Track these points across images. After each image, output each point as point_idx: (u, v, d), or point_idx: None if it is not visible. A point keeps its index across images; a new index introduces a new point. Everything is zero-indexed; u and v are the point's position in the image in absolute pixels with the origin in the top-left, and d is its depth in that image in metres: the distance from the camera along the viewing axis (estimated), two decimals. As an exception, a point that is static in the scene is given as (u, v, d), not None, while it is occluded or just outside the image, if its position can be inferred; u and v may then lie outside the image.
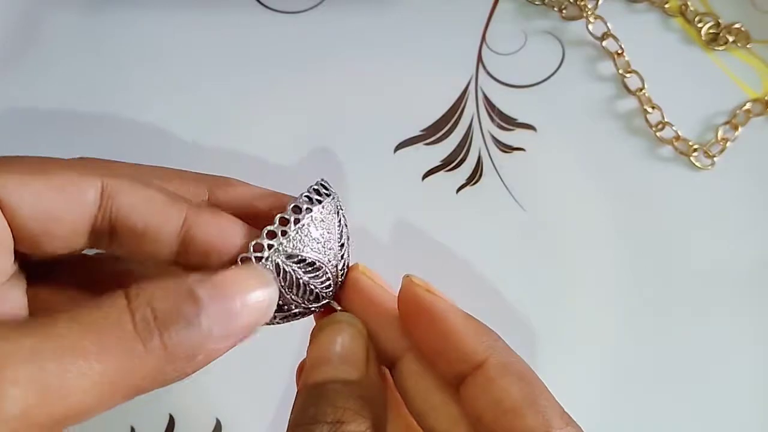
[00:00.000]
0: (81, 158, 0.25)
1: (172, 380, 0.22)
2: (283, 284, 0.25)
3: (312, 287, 0.26)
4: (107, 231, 0.24)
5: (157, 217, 0.24)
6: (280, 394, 0.34)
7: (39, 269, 0.25)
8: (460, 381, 0.24)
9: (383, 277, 0.34)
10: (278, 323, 0.27)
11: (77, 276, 0.26)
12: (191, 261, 0.25)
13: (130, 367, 0.20)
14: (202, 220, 0.24)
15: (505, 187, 0.35)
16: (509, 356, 0.25)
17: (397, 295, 0.26)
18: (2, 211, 0.22)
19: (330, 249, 0.26)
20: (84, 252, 0.25)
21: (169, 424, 0.34)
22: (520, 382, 0.23)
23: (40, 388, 0.19)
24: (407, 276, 0.26)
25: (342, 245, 0.27)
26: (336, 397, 0.24)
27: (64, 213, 0.23)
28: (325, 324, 0.26)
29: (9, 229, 0.23)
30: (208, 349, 0.22)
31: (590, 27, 0.35)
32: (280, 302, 0.25)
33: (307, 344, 0.26)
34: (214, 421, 0.34)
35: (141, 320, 0.21)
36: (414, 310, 0.25)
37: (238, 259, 0.24)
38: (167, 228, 0.24)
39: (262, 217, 0.26)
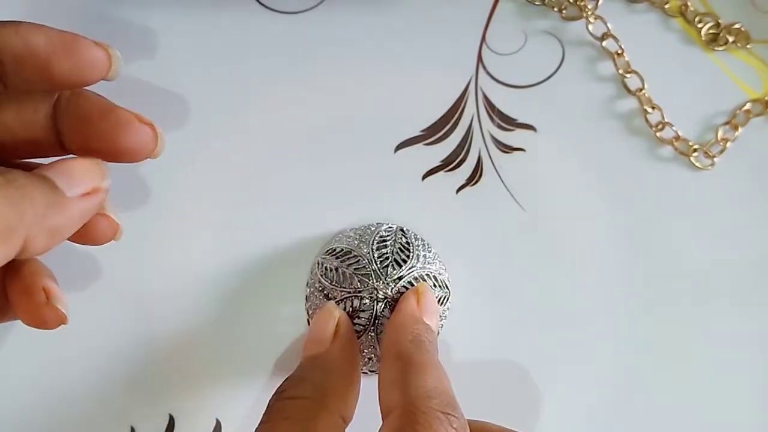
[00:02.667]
0: None
1: (41, 230, 0.24)
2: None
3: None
4: None
5: None
6: (280, 394, 0.34)
7: None
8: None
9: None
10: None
11: None
12: (9, 76, 0.26)
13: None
14: (4, 31, 0.26)
15: (505, 187, 0.35)
16: None
17: None
18: None
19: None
20: None
21: (169, 424, 0.34)
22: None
23: None
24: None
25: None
26: (294, 371, 0.29)
27: None
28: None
29: None
30: (63, 198, 0.25)
31: (590, 27, 0.35)
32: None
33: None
34: (214, 422, 0.34)
35: None
36: None
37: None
38: None
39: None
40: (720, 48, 0.35)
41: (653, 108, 0.35)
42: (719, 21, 0.35)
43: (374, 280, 0.31)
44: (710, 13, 0.36)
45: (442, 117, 0.35)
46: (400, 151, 0.35)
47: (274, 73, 0.35)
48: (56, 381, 0.34)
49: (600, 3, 0.35)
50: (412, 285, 0.32)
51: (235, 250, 0.35)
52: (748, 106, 0.35)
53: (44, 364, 0.34)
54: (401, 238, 0.33)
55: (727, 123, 0.35)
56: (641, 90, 0.35)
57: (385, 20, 0.36)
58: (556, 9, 0.36)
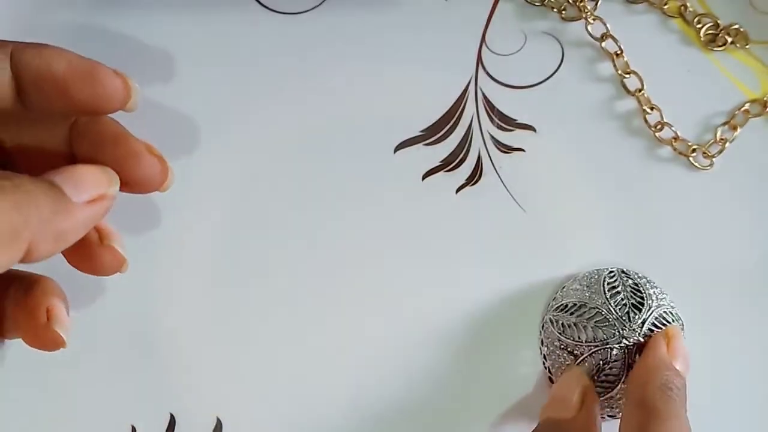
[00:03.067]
0: None
1: (46, 235, 0.24)
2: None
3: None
4: None
5: None
6: (281, 394, 0.34)
7: None
8: None
9: (383, 276, 0.35)
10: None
11: None
12: (29, 99, 0.27)
13: None
14: (26, 53, 0.26)
15: (505, 187, 0.35)
16: None
17: None
18: None
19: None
20: None
21: (169, 423, 0.34)
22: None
23: None
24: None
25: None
26: (554, 429, 0.30)
27: None
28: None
29: None
30: (69, 204, 0.25)
31: (589, 28, 0.35)
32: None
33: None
34: (215, 421, 0.34)
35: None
36: None
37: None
38: None
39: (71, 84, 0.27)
40: (719, 49, 0.35)
41: (652, 108, 0.35)
42: (718, 22, 0.35)
43: (619, 329, 0.32)
44: (709, 13, 0.36)
45: (441, 117, 0.35)
46: (399, 152, 0.35)
47: (274, 73, 0.35)
48: (56, 380, 0.34)
49: (599, 4, 0.35)
50: (656, 326, 0.32)
51: (235, 249, 0.35)
52: (746, 106, 0.35)
53: (44, 364, 0.34)
54: (628, 281, 0.33)
55: (725, 123, 0.35)
56: (640, 90, 0.35)
57: (385, 20, 0.36)
58: (555, 9, 0.36)
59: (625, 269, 0.34)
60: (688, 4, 0.35)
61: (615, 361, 0.32)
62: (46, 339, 0.28)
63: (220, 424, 0.34)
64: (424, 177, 0.35)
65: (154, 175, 0.29)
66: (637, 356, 0.32)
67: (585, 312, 0.32)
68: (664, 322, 0.32)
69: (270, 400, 0.34)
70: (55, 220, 0.24)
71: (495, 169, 0.35)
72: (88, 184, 0.26)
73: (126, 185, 0.28)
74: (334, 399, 0.34)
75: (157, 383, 0.34)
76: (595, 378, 0.32)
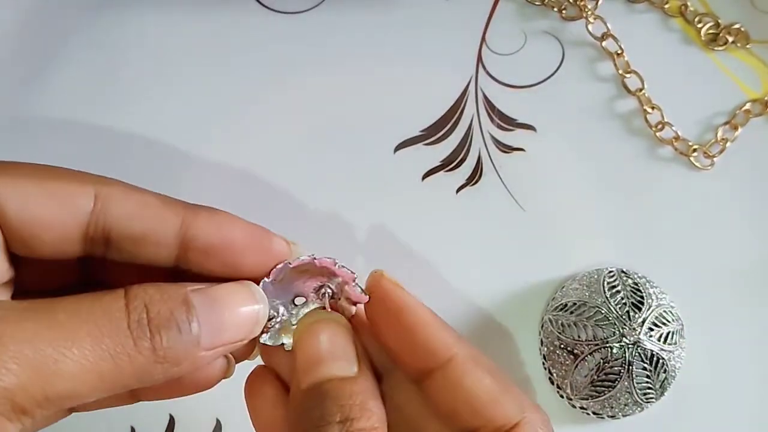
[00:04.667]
0: (78, 171, 0.25)
1: (157, 381, 0.23)
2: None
3: None
4: (102, 238, 0.24)
5: (153, 221, 0.24)
6: (280, 394, 0.34)
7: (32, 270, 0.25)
8: (424, 377, 0.25)
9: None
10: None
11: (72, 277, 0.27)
12: (192, 262, 0.25)
13: (119, 363, 0.21)
14: (200, 219, 0.25)
15: (505, 187, 0.35)
16: (474, 350, 0.26)
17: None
18: None
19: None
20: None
21: (169, 424, 0.34)
22: (491, 373, 0.25)
23: (36, 367, 0.20)
24: (376, 271, 0.26)
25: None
26: (339, 395, 0.24)
27: (53, 218, 0.24)
28: (308, 324, 0.26)
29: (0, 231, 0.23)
30: (194, 355, 0.23)
31: (590, 27, 0.35)
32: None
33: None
34: (215, 422, 0.34)
35: (135, 321, 0.22)
36: (383, 304, 0.26)
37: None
38: (165, 231, 0.24)
39: (244, 251, 0.26)
40: (720, 48, 0.35)
41: (653, 108, 0.35)
42: (719, 21, 0.35)
43: (619, 328, 0.32)
44: (710, 13, 0.36)
45: (442, 117, 0.35)
46: (399, 151, 0.35)
47: (274, 73, 0.35)
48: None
49: (600, 3, 0.35)
50: (656, 325, 0.32)
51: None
52: (747, 106, 0.35)
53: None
54: (627, 280, 0.33)
55: (726, 123, 0.35)
56: (641, 90, 0.35)
57: (385, 20, 0.36)
58: (556, 9, 0.36)
59: (624, 269, 0.34)
60: (688, 4, 0.35)
61: (615, 359, 0.32)
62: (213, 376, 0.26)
63: (220, 425, 0.34)
64: (424, 177, 0.35)
65: (216, 377, 0.26)
66: (637, 356, 0.32)
67: (585, 311, 0.32)
68: (664, 321, 0.32)
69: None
70: (173, 370, 0.23)
71: (495, 169, 0.35)
72: (231, 334, 0.24)
73: (184, 385, 0.26)
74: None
75: (157, 384, 0.34)
76: (595, 378, 0.32)
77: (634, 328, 0.32)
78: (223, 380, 0.34)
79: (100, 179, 0.25)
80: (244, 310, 0.24)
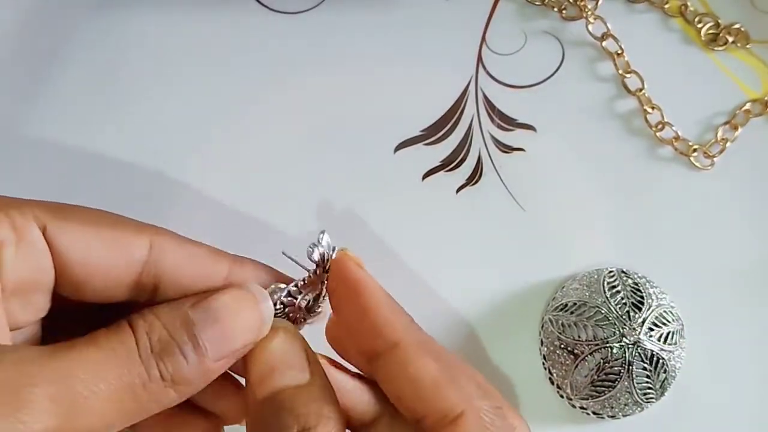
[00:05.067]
0: (133, 219, 0.26)
1: (177, 400, 0.23)
2: None
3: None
4: (151, 285, 0.25)
5: (202, 271, 0.25)
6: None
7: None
8: (374, 360, 0.25)
9: (383, 276, 0.35)
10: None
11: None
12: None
13: (137, 393, 0.22)
14: (245, 271, 0.26)
15: (505, 187, 0.35)
16: (424, 336, 0.26)
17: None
18: (52, 254, 0.23)
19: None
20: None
21: (169, 423, 0.34)
22: (437, 360, 0.25)
23: (68, 405, 0.20)
24: (342, 249, 0.27)
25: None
26: (294, 405, 0.24)
27: (109, 266, 0.24)
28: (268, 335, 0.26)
29: (53, 272, 0.24)
30: (204, 371, 0.23)
31: (590, 27, 0.35)
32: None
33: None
34: (215, 421, 0.34)
35: (143, 350, 0.22)
36: (342, 282, 0.26)
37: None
38: (212, 281, 0.25)
39: None
40: (720, 48, 0.35)
41: (653, 108, 0.35)
42: (719, 21, 0.35)
43: (620, 328, 0.32)
44: (710, 13, 0.36)
45: (442, 117, 0.35)
46: (400, 151, 0.35)
47: (274, 73, 0.35)
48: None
49: (600, 3, 0.35)
50: (656, 325, 0.32)
51: (233, 249, 0.35)
52: (747, 106, 0.35)
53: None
54: (628, 280, 0.33)
55: (726, 123, 0.35)
56: (641, 90, 0.35)
57: (385, 20, 0.36)
58: (556, 9, 0.36)
59: (624, 269, 0.34)
60: (688, 4, 0.35)
61: (615, 359, 0.32)
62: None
63: (220, 424, 0.34)
64: (424, 177, 0.35)
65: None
66: (637, 356, 0.32)
67: (585, 311, 0.32)
68: (664, 321, 0.32)
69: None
70: (185, 389, 0.23)
71: (495, 168, 0.35)
72: (237, 342, 0.24)
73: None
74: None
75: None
76: (595, 378, 0.32)
77: (634, 328, 0.32)
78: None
79: (155, 228, 0.25)
80: (247, 314, 0.24)
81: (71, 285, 0.24)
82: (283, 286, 0.27)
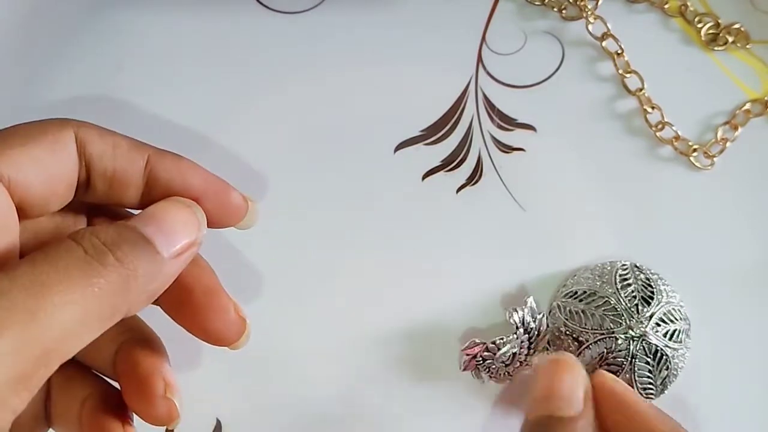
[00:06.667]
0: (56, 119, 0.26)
1: (142, 300, 0.23)
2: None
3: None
4: (85, 180, 0.26)
5: (123, 160, 0.26)
6: (281, 394, 0.34)
7: None
8: None
9: (383, 276, 0.35)
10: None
11: None
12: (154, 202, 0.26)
13: (96, 290, 0.21)
14: (164, 161, 0.26)
15: (505, 187, 0.35)
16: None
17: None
18: (9, 191, 0.24)
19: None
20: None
21: (169, 423, 0.34)
22: None
23: (28, 324, 0.20)
24: (600, 372, 0.29)
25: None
26: (536, 427, 0.27)
27: (60, 171, 0.25)
28: (551, 362, 0.28)
29: (14, 209, 0.24)
30: (160, 263, 0.23)
31: (590, 27, 0.35)
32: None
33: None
34: (215, 421, 0.34)
35: (90, 247, 0.22)
36: (609, 400, 0.28)
37: None
38: (133, 170, 0.26)
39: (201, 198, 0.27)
40: (720, 48, 0.35)
41: (653, 108, 0.35)
42: (719, 21, 0.35)
43: (627, 320, 0.32)
44: (710, 13, 0.36)
45: (442, 117, 0.35)
46: (399, 151, 0.35)
47: (274, 73, 0.35)
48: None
49: (600, 3, 0.35)
50: (664, 321, 0.32)
51: (235, 248, 0.35)
52: (747, 106, 0.35)
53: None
54: (640, 275, 0.33)
55: (726, 123, 0.35)
56: (641, 90, 0.35)
57: (385, 20, 0.36)
58: (556, 9, 0.36)
59: (638, 264, 0.34)
60: (688, 4, 0.35)
61: (619, 351, 0.32)
62: (160, 412, 0.26)
63: (220, 424, 0.34)
64: (424, 177, 0.35)
65: (233, 334, 0.27)
66: (641, 350, 0.32)
67: (594, 300, 0.33)
68: (672, 318, 0.32)
69: (270, 400, 0.34)
70: (150, 283, 0.23)
71: (495, 168, 0.35)
72: (180, 234, 0.24)
73: (200, 332, 0.27)
74: (333, 399, 0.34)
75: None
76: (597, 368, 0.32)
77: (641, 321, 0.32)
78: (223, 380, 0.34)
79: (76, 122, 0.26)
80: (181, 211, 0.25)
81: (39, 206, 0.25)
82: (478, 340, 0.32)
